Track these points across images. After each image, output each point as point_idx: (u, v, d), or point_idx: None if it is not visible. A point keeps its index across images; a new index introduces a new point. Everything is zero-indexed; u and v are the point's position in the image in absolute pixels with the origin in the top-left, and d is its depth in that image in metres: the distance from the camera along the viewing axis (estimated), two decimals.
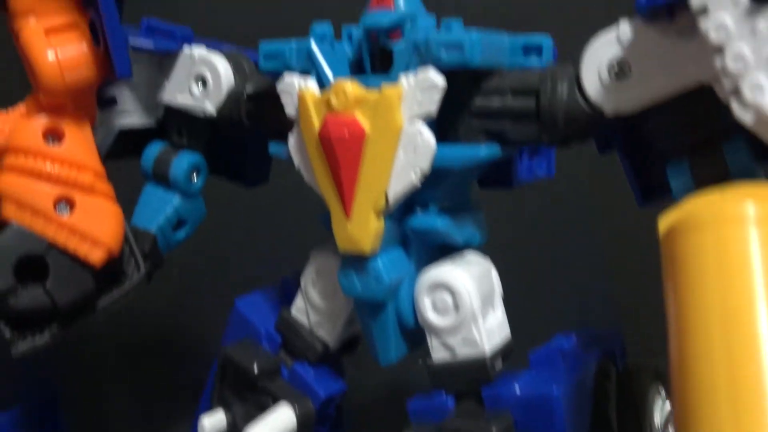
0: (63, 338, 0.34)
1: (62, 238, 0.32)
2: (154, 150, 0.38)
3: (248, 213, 0.55)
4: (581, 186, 0.54)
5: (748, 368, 0.19)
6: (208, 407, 0.39)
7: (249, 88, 0.35)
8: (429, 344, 0.32)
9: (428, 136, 0.28)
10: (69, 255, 0.32)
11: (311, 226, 0.34)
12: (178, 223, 0.39)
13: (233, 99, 0.36)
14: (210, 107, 0.36)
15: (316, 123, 0.30)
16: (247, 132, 0.36)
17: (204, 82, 0.36)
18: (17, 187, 0.31)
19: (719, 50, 0.21)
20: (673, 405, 0.22)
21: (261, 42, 0.33)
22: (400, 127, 0.28)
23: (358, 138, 0.28)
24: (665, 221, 0.23)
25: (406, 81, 0.28)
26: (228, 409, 0.37)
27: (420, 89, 0.28)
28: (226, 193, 0.43)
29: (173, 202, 0.38)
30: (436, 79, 0.27)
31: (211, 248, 0.54)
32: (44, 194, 0.32)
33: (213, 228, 0.43)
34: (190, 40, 0.36)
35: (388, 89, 0.28)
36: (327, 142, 0.29)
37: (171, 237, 0.38)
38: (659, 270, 0.23)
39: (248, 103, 0.35)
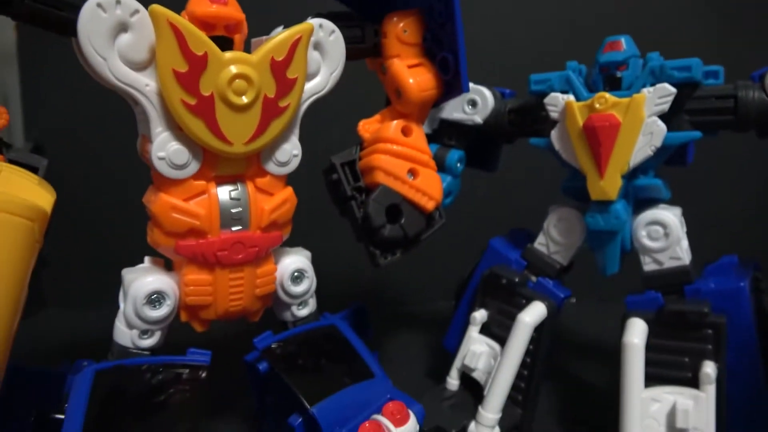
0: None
1: (411, 194, 0.40)
2: (432, 149, 0.46)
3: None
4: None
5: None
6: (466, 313, 0.46)
7: (509, 106, 0.43)
8: (642, 260, 0.38)
9: (662, 125, 0.36)
10: (414, 205, 0.39)
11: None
12: (447, 194, 0.46)
13: (495, 113, 0.43)
14: (479, 119, 0.43)
15: (580, 120, 0.37)
16: (504, 134, 0.44)
17: (474, 104, 0.44)
18: (385, 163, 0.39)
19: None
20: None
21: (531, 75, 0.40)
22: (643, 119, 0.36)
23: (615, 127, 0.36)
24: None
25: (647, 91, 0.35)
26: (487, 309, 0.44)
27: (658, 96, 0.35)
28: None
29: (447, 180, 0.45)
30: (671, 89, 0.35)
31: None
32: (401, 166, 0.40)
33: None
34: None
35: (637, 96, 0.35)
36: (591, 131, 0.37)
37: (444, 203, 0.45)
38: None
39: (510, 114, 0.42)
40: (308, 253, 0.40)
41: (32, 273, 0.26)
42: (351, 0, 0.41)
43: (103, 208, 0.72)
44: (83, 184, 0.71)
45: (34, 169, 0.31)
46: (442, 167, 0.47)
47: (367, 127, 0.42)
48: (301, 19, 0.37)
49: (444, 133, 0.48)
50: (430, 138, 0.49)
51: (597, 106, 0.37)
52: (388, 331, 0.64)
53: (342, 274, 0.61)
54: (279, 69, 0.33)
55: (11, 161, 0.31)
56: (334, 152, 0.41)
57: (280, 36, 0.33)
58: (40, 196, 0.26)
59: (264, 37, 0.36)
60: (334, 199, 0.43)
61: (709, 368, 0.34)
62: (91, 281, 0.72)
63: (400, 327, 0.66)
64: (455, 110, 0.46)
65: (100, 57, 0.30)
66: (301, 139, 0.37)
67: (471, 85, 0.46)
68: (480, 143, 0.49)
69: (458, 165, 0.47)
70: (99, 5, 0.29)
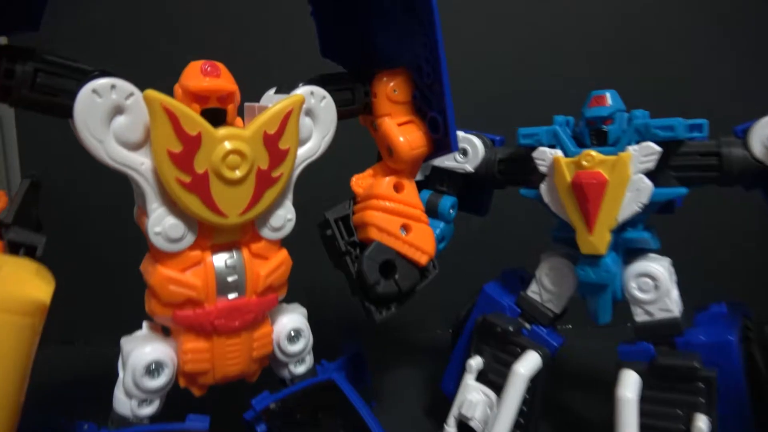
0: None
1: (404, 250, 0.40)
2: (424, 195, 0.47)
3: None
4: None
5: None
6: (462, 357, 0.47)
7: (499, 155, 0.44)
8: (633, 311, 0.39)
9: (648, 182, 0.37)
10: (407, 259, 0.40)
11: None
12: (441, 239, 0.47)
13: (485, 162, 0.44)
14: (469, 168, 0.44)
15: (568, 176, 0.38)
16: (494, 182, 0.45)
17: (465, 153, 0.45)
18: (378, 219, 0.40)
19: None
20: None
21: (519, 129, 0.41)
22: (629, 177, 0.37)
23: (602, 184, 0.37)
24: None
25: (632, 149, 0.36)
26: (482, 356, 0.44)
27: (643, 154, 0.36)
28: None
29: (440, 226, 0.46)
30: (656, 148, 0.36)
31: None
32: (394, 222, 0.41)
33: None
34: None
35: (623, 154, 0.36)
36: (579, 188, 0.38)
37: (437, 248, 0.46)
38: None
39: (500, 164, 0.43)
40: (304, 311, 0.41)
41: None
42: (341, 61, 0.42)
43: (103, 242, 0.72)
44: (82, 218, 0.72)
45: (33, 249, 0.32)
46: (434, 213, 0.48)
47: (359, 182, 0.43)
48: (291, 78, 0.38)
49: (436, 180, 0.49)
50: (422, 184, 0.50)
51: (584, 163, 0.38)
52: (385, 363, 0.64)
53: (338, 299, 0.61)
54: (271, 141, 0.34)
55: (10, 242, 0.31)
56: (324, 201, 0.42)
57: (273, 110, 0.34)
58: (39, 288, 0.26)
59: (256, 104, 0.37)
60: (328, 253, 0.43)
61: (701, 422, 0.35)
62: (92, 317, 0.73)
63: (398, 359, 0.66)
64: (447, 158, 0.47)
65: (96, 140, 0.30)
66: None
67: (461, 133, 0.47)
68: (471, 189, 0.49)
69: (451, 211, 0.48)
70: (94, 91, 0.30)
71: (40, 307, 0.26)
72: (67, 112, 0.30)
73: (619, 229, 0.40)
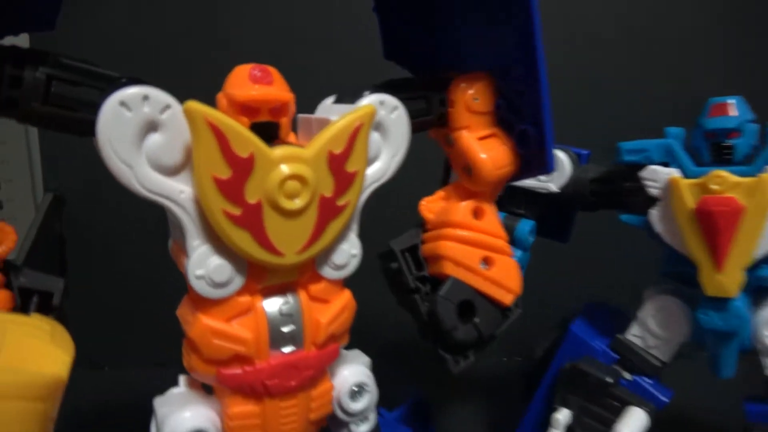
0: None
1: (485, 287, 0.34)
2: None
3: None
4: None
5: None
6: (542, 408, 0.41)
7: (591, 173, 0.37)
8: (762, 363, 0.32)
9: None
10: (488, 299, 0.33)
11: None
12: None
13: (574, 181, 0.37)
14: (554, 187, 0.37)
15: (691, 202, 0.31)
16: (584, 204, 0.38)
17: None
18: (454, 251, 0.34)
19: None
20: None
21: (620, 143, 0.34)
22: None
23: (736, 212, 0.30)
24: None
25: None
26: (569, 407, 0.38)
27: None
28: None
29: (516, 255, 0.40)
30: None
31: None
32: (473, 255, 0.34)
33: None
34: None
35: (765, 176, 0.29)
36: (706, 216, 0.31)
37: None
38: None
39: (593, 184, 0.36)
40: (367, 360, 0.35)
41: None
42: (409, 63, 0.35)
43: (133, 260, 0.67)
44: (106, 234, 0.67)
45: (48, 295, 0.26)
46: (510, 239, 0.41)
47: (430, 206, 0.36)
48: (348, 83, 0.31)
49: (512, 201, 0.42)
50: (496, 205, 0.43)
51: (713, 187, 0.31)
52: (449, 405, 0.58)
53: (399, 337, 0.55)
54: (337, 163, 0.28)
55: (21, 289, 0.25)
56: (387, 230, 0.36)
57: (338, 124, 0.27)
58: (54, 360, 0.20)
59: (313, 117, 0.31)
60: (392, 289, 0.37)
61: None
62: (115, 339, 0.68)
63: (463, 398, 0.59)
64: None
65: (125, 164, 0.24)
66: None
67: None
68: (552, 211, 0.42)
69: (529, 237, 0.41)
70: (123, 103, 0.24)
71: (55, 386, 0.20)
72: (89, 129, 0.24)
73: (753, 266, 0.32)
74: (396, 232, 0.37)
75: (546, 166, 0.32)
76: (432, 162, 0.39)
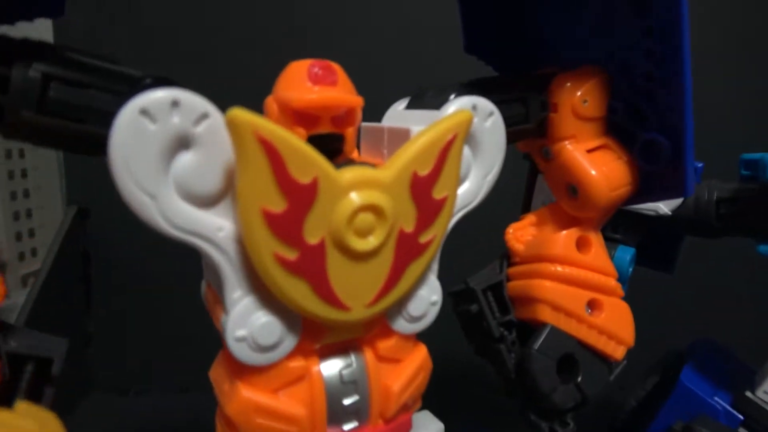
0: None
1: (592, 338, 0.27)
2: None
3: None
4: None
5: None
6: None
7: (718, 193, 0.29)
8: None
9: None
10: (594, 352, 0.26)
11: None
12: None
13: (695, 202, 0.30)
14: (665, 208, 0.30)
15: None
16: (707, 231, 0.30)
17: None
18: (553, 294, 0.27)
19: None
20: None
21: (742, 154, 0.27)
22: None
23: None
24: None
25: None
26: None
27: None
28: None
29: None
30: None
31: None
32: (576, 298, 0.27)
33: None
34: None
35: None
36: None
37: None
38: None
39: (721, 206, 0.29)
40: (440, 426, 0.28)
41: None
42: (495, 58, 0.28)
43: (160, 282, 0.62)
44: (130, 254, 0.61)
45: (48, 362, 0.19)
46: None
47: (518, 235, 0.29)
48: (420, 82, 0.25)
49: (609, 224, 0.35)
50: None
51: None
52: None
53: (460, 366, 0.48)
54: (422, 188, 0.21)
55: (10, 354, 0.19)
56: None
57: (425, 138, 0.21)
58: None
59: (386, 126, 0.24)
60: (468, 335, 0.30)
61: None
62: (139, 363, 0.63)
63: None
64: None
65: (146, 194, 0.18)
66: None
67: None
68: (657, 236, 0.35)
69: (629, 268, 0.34)
70: (144, 112, 0.17)
71: None
72: (99, 146, 0.17)
73: None
74: (469, 265, 0.30)
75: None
76: (508, 177, 0.32)
